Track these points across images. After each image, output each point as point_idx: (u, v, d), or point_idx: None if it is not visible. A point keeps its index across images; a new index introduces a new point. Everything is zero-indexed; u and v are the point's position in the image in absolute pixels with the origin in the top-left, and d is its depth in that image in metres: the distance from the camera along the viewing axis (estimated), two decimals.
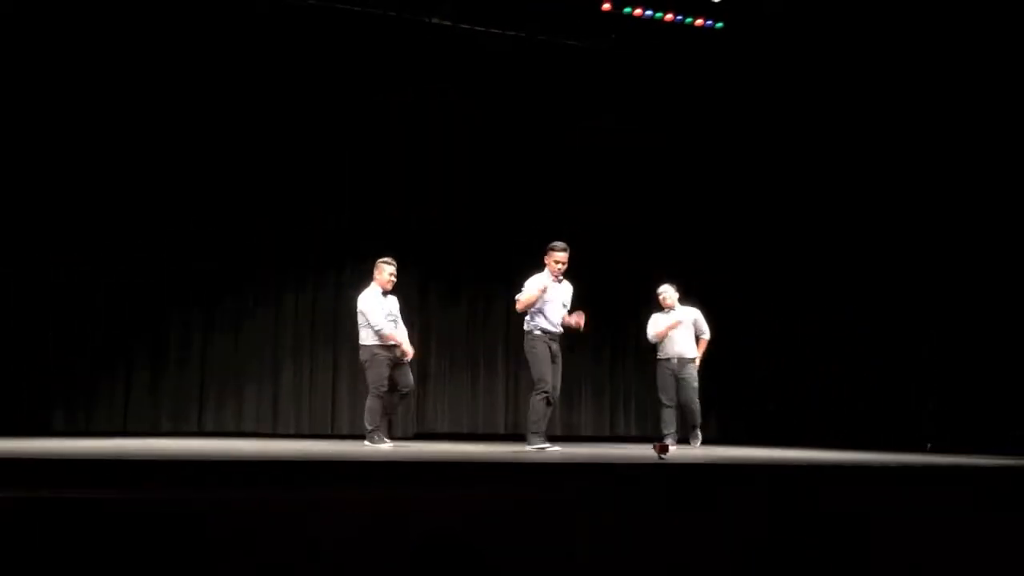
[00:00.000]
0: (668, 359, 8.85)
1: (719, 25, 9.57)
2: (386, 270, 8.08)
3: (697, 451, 8.02)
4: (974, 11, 9.19)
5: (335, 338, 9.36)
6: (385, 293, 8.11)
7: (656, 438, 8.40)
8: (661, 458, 6.23)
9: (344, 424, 9.20)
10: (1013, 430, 8.77)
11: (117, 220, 8.61)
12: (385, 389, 7.85)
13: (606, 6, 9.23)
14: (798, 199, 10.73)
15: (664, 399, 8.81)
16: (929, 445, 9.50)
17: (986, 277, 9.85)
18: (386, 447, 7.48)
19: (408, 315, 9.29)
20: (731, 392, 10.54)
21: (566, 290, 7.66)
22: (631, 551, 3.97)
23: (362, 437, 7.77)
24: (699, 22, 9.51)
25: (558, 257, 7.52)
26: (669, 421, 8.76)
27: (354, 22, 9.26)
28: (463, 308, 9.95)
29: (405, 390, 8.04)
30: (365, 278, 9.33)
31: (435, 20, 9.31)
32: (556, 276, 7.53)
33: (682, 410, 8.81)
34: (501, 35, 9.58)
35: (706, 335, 8.97)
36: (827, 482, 5.71)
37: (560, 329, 7.52)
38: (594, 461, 6.14)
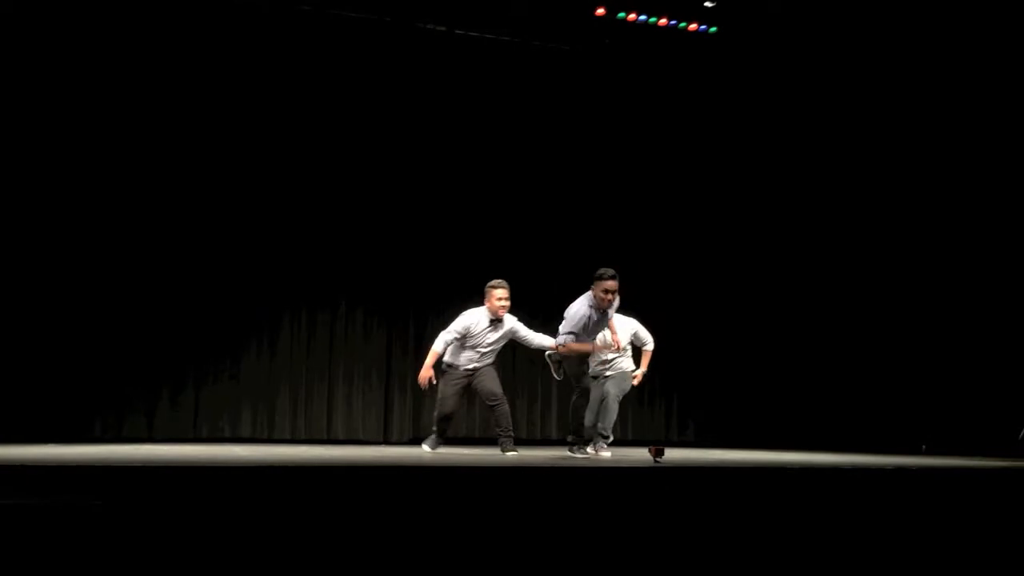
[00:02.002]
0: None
1: (712, 30, 9.57)
2: (494, 294, 7.31)
3: (686, 454, 7.89)
4: (972, 11, 9.17)
5: (331, 345, 9.36)
6: (494, 321, 7.38)
7: (652, 442, 8.41)
8: (656, 461, 6.30)
9: (339, 430, 9.21)
10: (1015, 435, 8.76)
11: (116, 221, 8.63)
12: (445, 411, 7.47)
13: (600, 11, 9.23)
14: (798, 199, 10.73)
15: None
16: (924, 446, 9.51)
17: (986, 277, 9.84)
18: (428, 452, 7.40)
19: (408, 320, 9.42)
20: (730, 392, 10.55)
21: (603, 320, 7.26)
22: (628, 552, 4.01)
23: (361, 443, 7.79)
24: (692, 27, 9.50)
25: (607, 285, 6.95)
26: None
27: (350, 27, 9.27)
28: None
29: (488, 401, 7.53)
30: (362, 282, 9.39)
31: (429, 26, 9.32)
32: (603, 305, 7.04)
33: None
34: (495, 39, 9.59)
35: (649, 346, 7.90)
36: (821, 484, 5.75)
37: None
38: (585, 465, 6.19)
